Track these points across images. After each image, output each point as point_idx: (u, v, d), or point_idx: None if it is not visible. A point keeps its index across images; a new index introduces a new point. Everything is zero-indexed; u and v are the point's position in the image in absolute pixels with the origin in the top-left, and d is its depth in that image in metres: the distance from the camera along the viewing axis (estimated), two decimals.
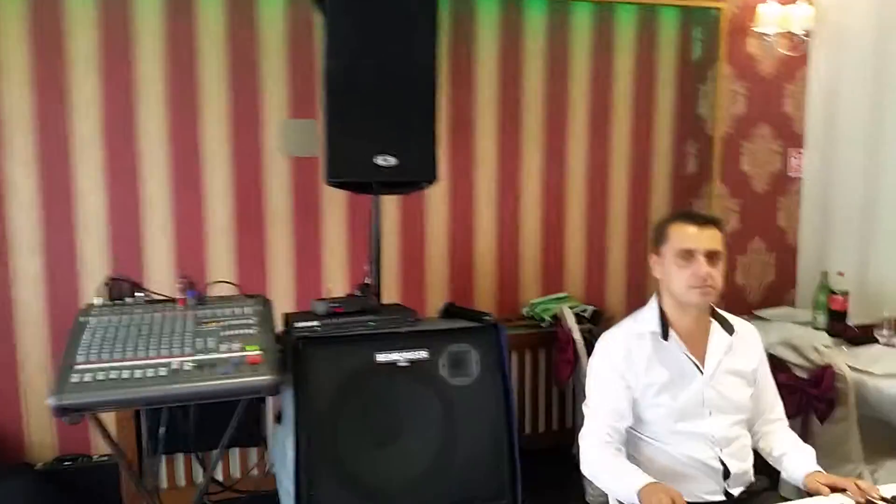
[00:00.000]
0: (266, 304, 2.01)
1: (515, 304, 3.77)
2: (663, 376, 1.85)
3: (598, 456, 1.79)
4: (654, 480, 1.64)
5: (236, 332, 1.86)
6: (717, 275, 1.82)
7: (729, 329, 1.91)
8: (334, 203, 3.32)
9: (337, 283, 3.34)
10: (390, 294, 3.47)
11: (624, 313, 2.02)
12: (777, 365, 2.84)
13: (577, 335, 3.21)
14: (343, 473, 1.93)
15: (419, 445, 2.01)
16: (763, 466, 1.95)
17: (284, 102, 3.19)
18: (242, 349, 1.80)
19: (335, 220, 3.34)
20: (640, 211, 3.80)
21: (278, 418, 1.95)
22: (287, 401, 1.90)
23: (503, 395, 2.09)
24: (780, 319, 3.44)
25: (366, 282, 2.78)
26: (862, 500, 1.59)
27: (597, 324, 3.51)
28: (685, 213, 1.87)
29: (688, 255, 1.81)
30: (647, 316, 1.92)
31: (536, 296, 3.79)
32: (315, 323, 1.93)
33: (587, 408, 1.91)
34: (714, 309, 1.94)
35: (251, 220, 3.21)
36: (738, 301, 3.88)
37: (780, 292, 3.99)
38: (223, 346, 1.80)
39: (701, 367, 1.86)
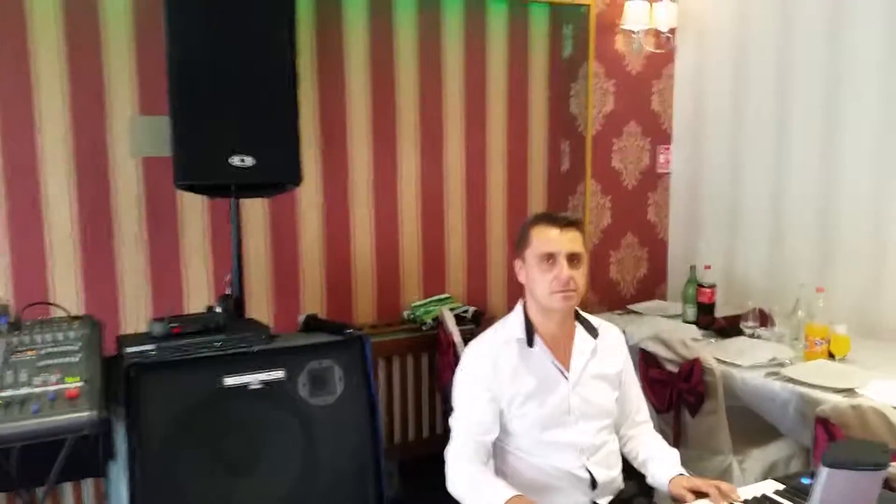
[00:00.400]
0: (94, 326, 1.79)
1: (396, 308, 3.67)
2: (529, 384, 1.78)
3: (462, 472, 1.70)
4: (518, 494, 1.56)
5: (55, 361, 1.64)
6: (579, 277, 1.77)
7: (593, 332, 1.87)
8: (194, 208, 3.08)
9: (200, 297, 3.10)
10: (260, 305, 3.28)
11: (505, 312, 1.94)
12: (649, 360, 2.87)
13: (457, 338, 3.12)
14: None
15: (277, 474, 1.84)
16: (633, 471, 1.92)
17: (133, 97, 2.92)
18: (61, 381, 1.58)
19: (195, 228, 3.10)
20: (519, 209, 3.78)
21: (111, 453, 1.74)
22: (119, 436, 1.69)
23: (369, 411, 1.96)
24: (652, 313, 3.50)
25: (226, 293, 2.58)
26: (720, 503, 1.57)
27: (478, 324, 3.47)
28: (546, 216, 1.80)
29: (549, 258, 1.74)
30: (513, 322, 1.85)
31: (418, 298, 3.70)
32: (150, 346, 1.73)
33: (453, 421, 1.81)
34: (578, 312, 1.89)
35: (98, 231, 2.92)
36: (612, 295, 3.93)
37: (652, 286, 4.08)
38: (37, 379, 1.57)
39: (566, 373, 1.80)
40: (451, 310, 3.51)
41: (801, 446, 2.69)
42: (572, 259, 1.75)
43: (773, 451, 2.75)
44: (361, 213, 3.49)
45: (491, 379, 1.76)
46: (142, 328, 2.40)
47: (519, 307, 1.87)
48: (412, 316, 3.60)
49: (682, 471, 1.76)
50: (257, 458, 1.83)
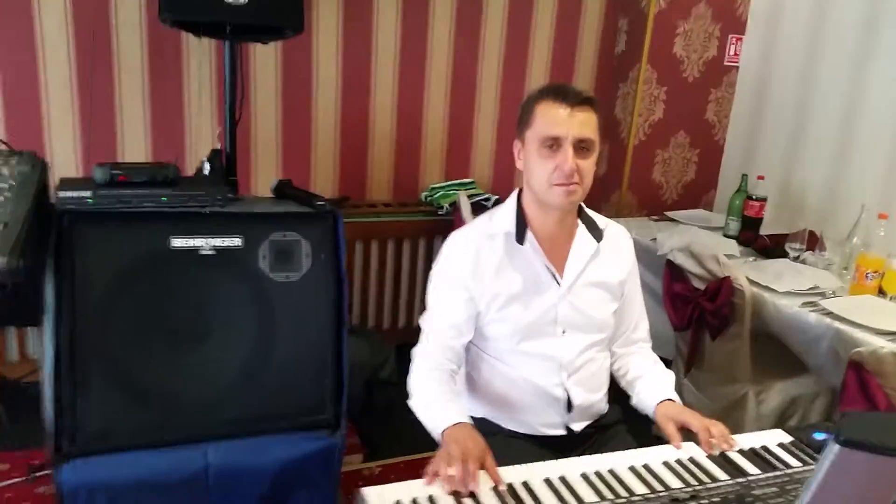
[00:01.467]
0: (36, 164, 1.58)
1: (414, 188, 3.43)
2: (514, 286, 1.52)
3: (420, 383, 1.49)
4: (464, 422, 1.35)
5: None
6: (587, 169, 1.47)
7: (597, 234, 1.58)
8: (203, 50, 2.82)
9: (205, 150, 2.90)
10: (267, 170, 3.08)
11: None
12: (675, 273, 2.58)
13: None
14: (123, 380, 1.59)
15: (228, 349, 1.67)
16: (619, 396, 1.69)
17: None
18: None
19: (202, 73, 2.85)
20: None
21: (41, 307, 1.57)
22: (48, 289, 1.52)
23: (336, 297, 1.75)
24: (692, 222, 3.16)
25: (216, 148, 2.34)
26: (709, 452, 1.33)
27: None
28: (554, 90, 1.47)
29: (553, 143, 1.44)
30: (504, 214, 1.57)
31: (438, 180, 3.44)
32: (87, 193, 1.52)
33: (423, 321, 1.59)
34: (582, 208, 1.59)
35: (97, 72, 2.69)
36: (652, 199, 3.58)
37: (698, 193, 3.71)
38: None
39: (558, 278, 1.54)
40: (472, 197, 3.26)
41: (829, 385, 2.41)
42: (580, 146, 1.45)
43: (796, 386, 2.49)
44: (385, 81, 3.19)
45: (470, 276, 1.52)
46: None
47: (513, 197, 1.59)
48: (429, 198, 3.36)
49: (674, 396, 1.52)
50: (207, 330, 1.65)
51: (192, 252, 1.63)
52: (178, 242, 1.61)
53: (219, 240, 1.64)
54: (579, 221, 1.58)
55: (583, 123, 1.44)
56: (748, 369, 2.44)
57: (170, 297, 1.63)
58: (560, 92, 1.46)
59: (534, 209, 1.55)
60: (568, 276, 1.54)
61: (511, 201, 1.58)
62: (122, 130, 2.80)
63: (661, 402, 1.50)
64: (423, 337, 1.56)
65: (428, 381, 1.47)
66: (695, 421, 1.39)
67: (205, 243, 1.63)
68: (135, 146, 2.83)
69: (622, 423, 1.64)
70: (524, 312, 1.53)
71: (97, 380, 1.56)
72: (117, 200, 1.57)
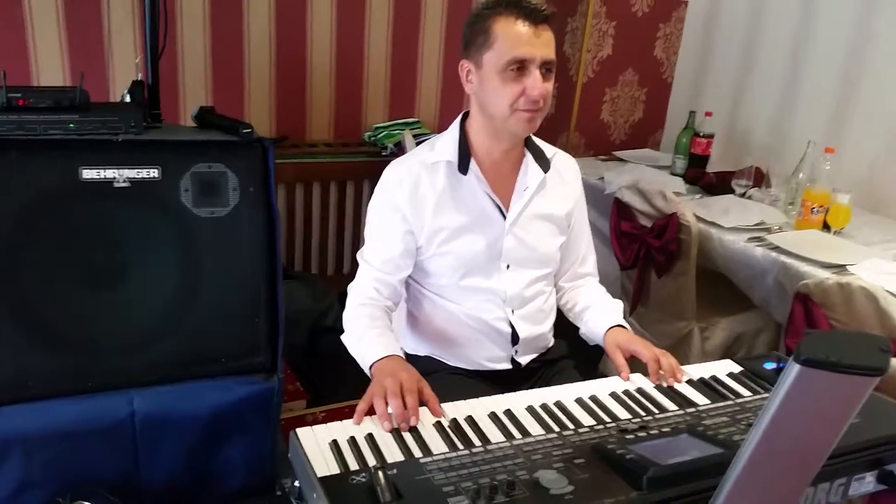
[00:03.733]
0: None
1: (357, 128, 3.28)
2: (456, 219, 1.44)
3: (353, 315, 1.40)
4: (394, 354, 1.27)
5: None
6: (549, 94, 1.38)
7: (544, 163, 1.50)
8: None
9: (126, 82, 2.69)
10: (196, 104, 2.88)
11: None
12: (622, 211, 2.54)
13: None
14: (34, 324, 1.45)
15: (148, 292, 1.54)
16: (566, 331, 1.64)
17: None
18: None
19: None
20: None
21: None
22: None
23: (266, 232, 1.63)
24: (639, 161, 3.12)
25: (136, 79, 2.16)
26: (657, 383, 1.29)
27: None
28: (514, 3, 1.34)
29: (519, 66, 1.33)
30: (445, 142, 1.47)
31: (382, 120, 3.30)
32: None
33: (360, 255, 1.50)
34: (530, 136, 1.51)
35: None
36: (600, 139, 3.53)
37: (646, 133, 3.66)
38: None
39: (504, 210, 1.46)
40: (417, 136, 3.14)
41: (772, 321, 2.43)
42: (545, 68, 1.35)
43: (740, 322, 2.50)
44: (322, 11, 3.00)
45: (408, 208, 1.42)
46: None
47: (455, 124, 1.49)
48: (373, 138, 3.23)
49: (624, 323, 1.48)
50: (125, 270, 1.52)
51: (106, 185, 1.48)
52: (88, 174, 1.46)
53: (134, 171, 1.50)
54: (526, 150, 1.50)
55: (547, 44, 1.34)
56: (693, 306, 2.43)
57: (82, 235, 1.49)
58: (523, 7, 1.33)
59: (481, 137, 1.45)
60: (514, 209, 1.47)
61: (453, 129, 1.49)
62: (35, 61, 2.57)
63: (610, 329, 1.45)
64: (359, 272, 1.47)
65: (360, 316, 1.39)
66: (645, 351, 1.35)
67: (118, 175, 1.49)
68: (50, 79, 2.61)
69: (568, 359, 1.60)
70: (467, 247, 1.45)
71: (5, 325, 1.43)
72: (17, 126, 1.41)
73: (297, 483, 1.85)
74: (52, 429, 1.45)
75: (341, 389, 2.52)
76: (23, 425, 1.44)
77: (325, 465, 1.01)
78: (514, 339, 1.50)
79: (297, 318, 2.78)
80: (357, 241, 3.26)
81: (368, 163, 3.15)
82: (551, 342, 1.59)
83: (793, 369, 0.74)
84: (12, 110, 1.42)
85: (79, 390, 1.49)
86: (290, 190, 3.03)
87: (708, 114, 2.95)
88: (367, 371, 1.27)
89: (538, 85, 1.33)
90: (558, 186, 1.52)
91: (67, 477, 1.50)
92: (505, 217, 1.46)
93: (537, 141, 1.53)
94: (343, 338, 1.39)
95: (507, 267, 1.47)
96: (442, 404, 1.17)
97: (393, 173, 1.46)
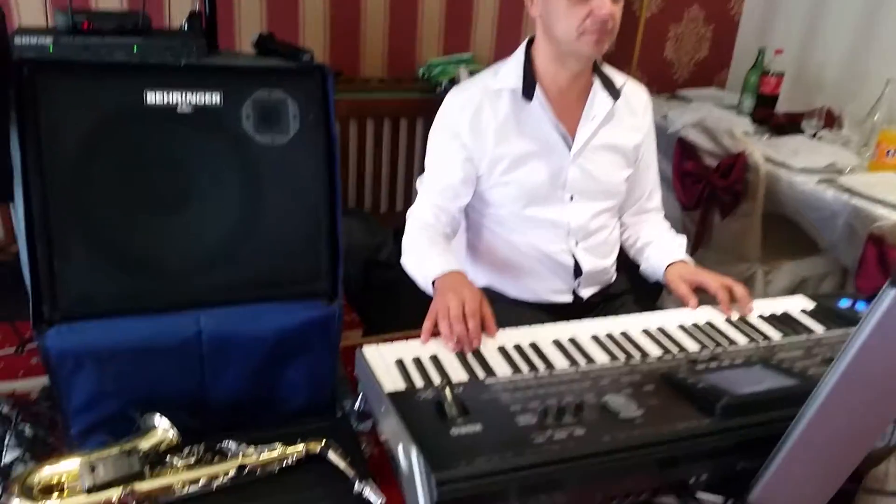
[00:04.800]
0: None
1: (411, 64, 3.23)
2: (519, 147, 1.41)
3: (411, 240, 1.39)
4: (457, 270, 1.26)
5: None
6: (618, 17, 1.32)
7: (614, 92, 1.45)
8: None
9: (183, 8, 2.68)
10: (251, 31, 2.87)
11: None
12: (686, 150, 2.47)
13: None
14: (102, 245, 1.49)
15: (211, 216, 1.56)
16: (628, 266, 1.61)
17: None
18: None
19: None
20: None
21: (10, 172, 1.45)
22: (13, 149, 1.39)
23: (326, 160, 1.62)
24: (703, 100, 3.01)
25: (194, 10, 2.15)
26: (728, 314, 1.26)
27: None
28: None
29: None
30: (510, 69, 1.43)
31: (436, 55, 3.24)
32: (48, 40, 1.37)
33: (419, 182, 1.48)
34: (596, 64, 1.45)
35: None
36: (663, 78, 3.40)
37: (711, 71, 3.52)
38: None
39: (569, 139, 1.42)
40: (473, 73, 3.07)
41: (839, 266, 2.35)
42: None
43: (805, 267, 2.43)
44: None
45: (470, 135, 1.40)
46: None
47: (521, 50, 1.44)
48: (427, 75, 3.17)
49: (687, 258, 1.44)
50: (188, 196, 1.54)
51: (169, 111, 1.49)
52: (152, 98, 1.47)
53: (197, 95, 1.50)
54: (595, 77, 1.45)
55: None
56: (757, 248, 2.37)
57: (147, 159, 1.51)
58: None
59: (547, 62, 1.40)
60: (579, 138, 1.43)
61: (518, 55, 1.44)
62: None
63: (672, 264, 1.42)
64: (418, 198, 1.46)
65: (420, 238, 1.38)
66: (712, 281, 1.31)
67: (182, 99, 1.49)
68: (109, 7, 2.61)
69: (630, 294, 1.57)
70: (529, 177, 1.42)
71: (74, 244, 1.46)
72: (83, 49, 1.42)
73: (356, 405, 1.89)
74: (124, 344, 1.50)
75: (395, 322, 2.55)
76: (95, 340, 1.49)
77: (391, 382, 1.02)
78: (577, 271, 1.48)
79: (351, 253, 2.80)
80: (411, 179, 3.25)
81: (422, 100, 3.11)
82: (614, 276, 1.56)
83: (888, 295, 0.70)
84: (78, 33, 1.43)
85: (147, 309, 1.53)
86: (343, 126, 3.01)
87: (778, 51, 2.81)
88: (429, 288, 1.26)
89: (606, 5, 1.27)
90: (627, 118, 1.47)
91: (139, 391, 1.55)
92: (570, 147, 1.42)
93: (607, 68, 1.47)
94: (403, 260, 1.39)
95: (571, 198, 1.44)
96: (505, 329, 1.17)
97: (454, 100, 1.43)
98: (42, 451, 1.61)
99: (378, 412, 1.00)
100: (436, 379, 1.04)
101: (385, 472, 1.76)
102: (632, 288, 1.58)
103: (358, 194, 3.22)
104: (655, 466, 0.89)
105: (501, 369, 1.07)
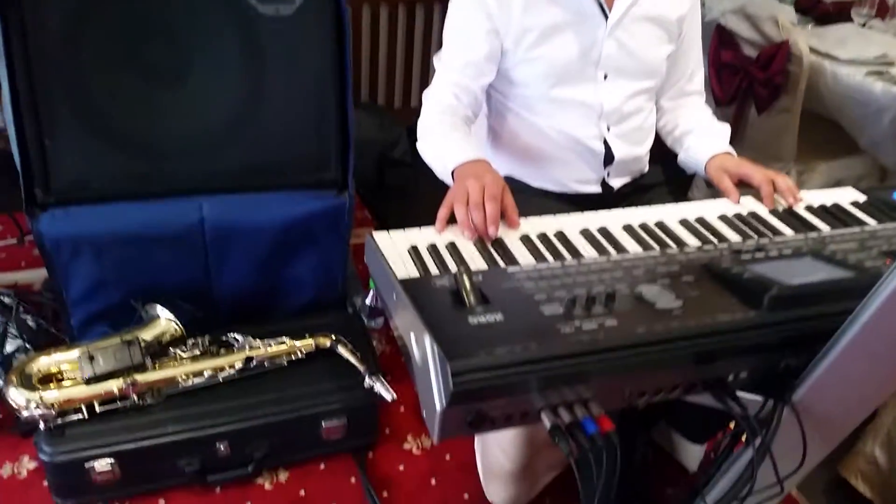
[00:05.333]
0: None
1: None
2: (549, 17, 1.26)
3: (431, 122, 1.27)
4: (478, 158, 1.14)
5: None
6: None
7: None
8: None
9: None
10: None
11: None
12: (724, 39, 2.28)
13: None
14: (95, 123, 1.39)
15: (212, 93, 1.45)
16: (664, 155, 1.49)
17: None
18: None
19: None
20: None
21: None
22: None
23: (335, 38, 1.49)
24: None
25: None
26: (772, 207, 1.15)
27: None
28: None
29: None
30: None
31: None
32: None
33: (437, 59, 1.35)
34: None
35: None
36: None
37: None
38: None
39: (606, 9, 1.27)
40: None
41: (877, 167, 2.22)
42: None
43: (841, 168, 2.30)
44: None
45: (494, 3, 1.25)
46: None
47: None
48: None
49: (730, 150, 1.32)
50: (187, 69, 1.43)
51: None
52: None
53: None
54: None
55: None
56: (793, 147, 2.23)
57: (142, 29, 1.39)
58: None
59: None
60: (618, 7, 1.28)
61: None
62: None
63: (715, 156, 1.30)
64: (435, 77, 1.33)
65: (439, 123, 1.26)
66: (756, 173, 1.20)
67: None
68: None
69: (664, 186, 1.46)
70: (559, 52, 1.28)
71: (66, 122, 1.37)
72: None
73: (368, 300, 1.83)
74: (123, 230, 1.43)
75: (408, 221, 2.46)
76: (92, 226, 1.42)
77: (403, 269, 0.93)
78: (608, 159, 1.36)
79: (363, 149, 2.68)
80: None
81: None
82: (647, 167, 1.45)
83: None
84: None
85: (146, 194, 1.44)
86: (356, 14, 2.83)
87: None
88: (448, 179, 1.16)
89: None
90: None
91: (140, 281, 1.49)
92: (607, 17, 1.27)
93: None
94: (419, 146, 1.27)
95: (605, 77, 1.31)
96: (528, 217, 1.07)
97: None
98: (44, 342, 1.58)
99: (390, 303, 0.92)
100: (453, 267, 0.95)
101: (397, 371, 1.73)
102: (666, 180, 1.47)
103: (371, 88, 3.06)
104: (692, 361, 0.81)
105: (524, 258, 0.98)
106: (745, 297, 0.85)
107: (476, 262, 0.97)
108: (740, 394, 0.86)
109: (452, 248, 1.00)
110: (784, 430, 0.86)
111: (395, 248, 0.98)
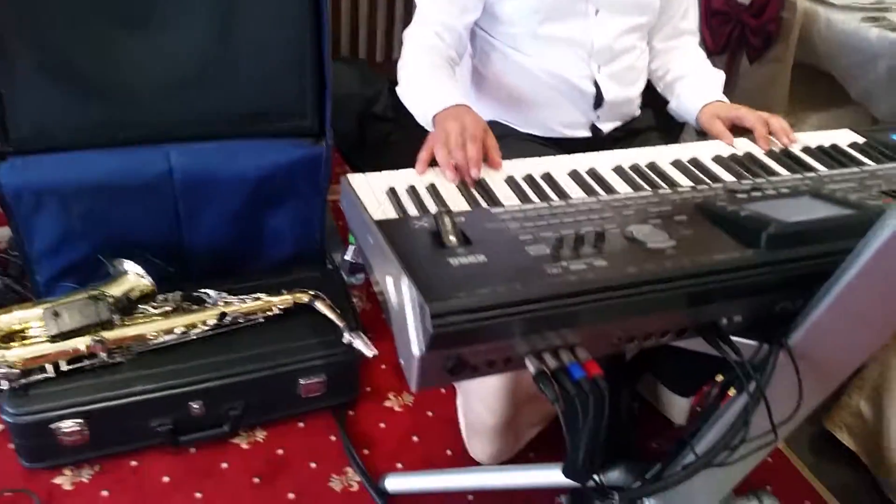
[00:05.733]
0: None
1: None
2: None
3: (413, 64, 1.21)
4: (460, 104, 1.08)
5: None
6: None
7: None
8: None
9: None
10: None
11: None
12: None
13: None
14: (58, 68, 1.31)
15: (179, 34, 1.37)
16: (654, 101, 1.43)
17: None
18: None
19: None
20: None
21: None
22: None
23: None
24: None
25: None
26: (767, 148, 1.11)
27: None
28: None
29: None
30: None
31: None
32: None
33: None
34: None
35: None
36: None
37: None
38: None
39: None
40: None
41: (868, 117, 2.17)
42: None
43: (832, 119, 2.26)
44: None
45: None
46: None
47: None
48: None
49: (723, 98, 1.27)
50: (153, 11, 1.34)
51: None
52: None
53: None
54: None
55: None
56: (785, 97, 2.18)
57: None
58: None
59: None
60: None
61: None
62: None
63: (707, 105, 1.24)
64: (416, 15, 1.26)
65: (420, 65, 1.19)
66: (749, 115, 1.15)
67: None
68: None
69: (655, 131, 1.40)
70: None
71: (22, 64, 1.29)
72: None
73: (347, 256, 1.78)
74: (87, 180, 1.36)
75: None
76: (55, 176, 1.34)
77: (380, 211, 0.88)
78: (598, 101, 1.30)
79: (344, 104, 2.60)
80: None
81: None
82: (638, 111, 1.39)
83: None
84: None
85: (111, 142, 1.37)
86: None
87: None
88: (429, 125, 1.10)
89: None
90: None
91: (108, 235, 1.43)
92: None
93: None
94: (399, 90, 1.21)
95: (597, 12, 1.24)
96: (514, 160, 1.01)
97: None
98: (11, 301, 1.51)
99: (366, 248, 0.86)
100: (433, 209, 0.90)
101: (378, 328, 1.68)
102: (658, 124, 1.41)
103: (352, 41, 2.96)
104: (685, 303, 0.76)
105: (509, 200, 0.93)
106: (742, 235, 0.80)
107: (458, 204, 0.92)
108: (734, 339, 0.82)
109: (433, 189, 0.94)
110: (779, 375, 0.82)
111: (372, 191, 0.93)
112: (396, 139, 2.72)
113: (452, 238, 0.78)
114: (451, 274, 0.72)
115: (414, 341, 0.70)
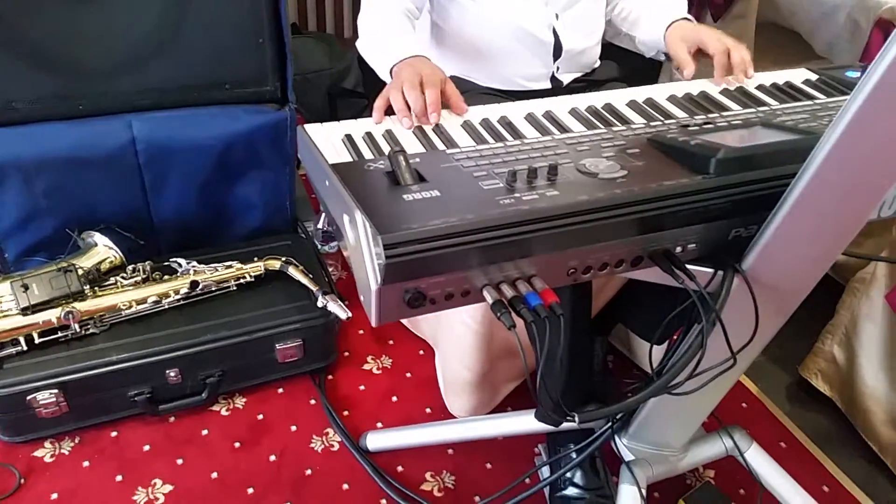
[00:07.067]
0: None
1: None
2: None
3: (371, 17, 1.21)
4: (419, 55, 1.09)
5: None
6: None
7: None
8: None
9: None
10: None
11: None
12: None
13: None
14: (12, 42, 1.29)
15: (137, 5, 1.36)
16: (618, 55, 1.44)
17: None
18: None
19: None
20: None
21: None
22: None
23: None
24: None
25: None
26: (722, 78, 1.12)
27: None
28: None
29: None
30: None
31: None
32: None
33: None
34: None
35: None
36: None
37: None
38: None
39: None
40: None
41: None
42: None
43: None
44: None
45: None
46: None
47: None
48: None
49: (689, 17, 1.27)
50: None
51: None
52: None
53: None
54: None
55: None
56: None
57: None
58: None
59: None
60: None
61: None
62: None
63: (673, 24, 1.24)
64: None
65: (379, 20, 1.20)
66: (713, 41, 1.16)
67: None
68: None
69: (617, 82, 1.40)
70: None
71: None
72: None
73: (319, 225, 1.78)
74: (49, 154, 1.35)
75: None
76: (16, 149, 1.33)
77: (336, 155, 0.88)
78: (557, 50, 1.30)
79: (313, 79, 2.59)
80: None
81: None
82: (598, 62, 1.40)
83: None
84: None
85: (71, 114, 1.36)
86: None
87: None
88: (387, 77, 1.10)
89: None
90: None
91: (75, 208, 1.42)
92: None
93: None
94: (359, 44, 1.21)
95: None
96: (470, 107, 1.02)
97: None
98: None
99: (322, 188, 0.86)
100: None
101: (354, 296, 1.69)
102: (620, 75, 1.41)
103: (318, 16, 2.95)
104: (637, 230, 0.78)
105: (465, 142, 0.94)
106: (692, 163, 0.81)
107: (414, 148, 0.92)
108: (690, 267, 0.83)
109: (389, 135, 0.95)
110: (737, 301, 0.84)
111: (329, 138, 0.93)
112: (367, 113, 2.71)
113: (407, 176, 0.79)
114: (405, 208, 0.73)
115: (370, 275, 0.70)
